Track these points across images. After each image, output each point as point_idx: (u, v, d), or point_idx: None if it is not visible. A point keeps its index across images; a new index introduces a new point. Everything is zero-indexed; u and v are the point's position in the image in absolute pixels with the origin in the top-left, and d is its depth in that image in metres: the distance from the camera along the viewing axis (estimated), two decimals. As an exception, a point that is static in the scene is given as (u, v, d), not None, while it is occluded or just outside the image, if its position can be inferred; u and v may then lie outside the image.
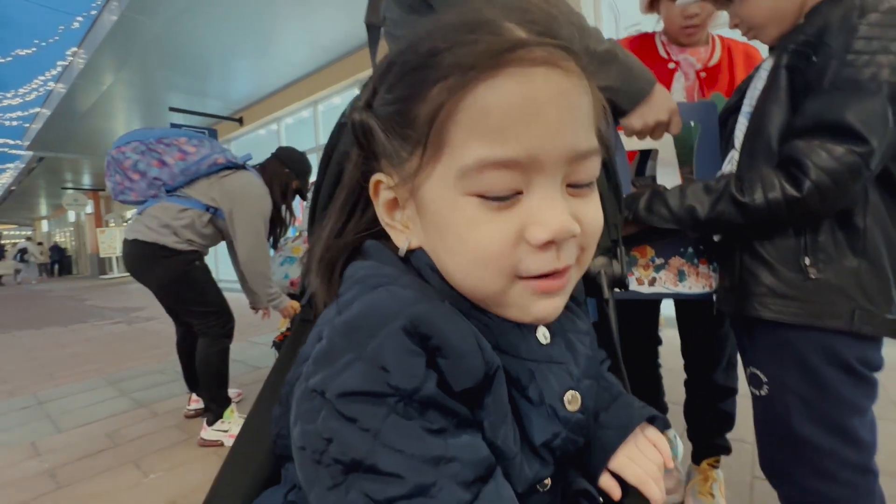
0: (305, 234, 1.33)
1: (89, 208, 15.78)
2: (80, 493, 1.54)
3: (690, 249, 0.96)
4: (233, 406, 1.93)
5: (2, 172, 17.22)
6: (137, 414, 2.25)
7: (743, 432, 1.22)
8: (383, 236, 0.39)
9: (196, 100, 6.82)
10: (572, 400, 0.37)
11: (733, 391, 1.19)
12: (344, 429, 0.27)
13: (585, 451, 0.42)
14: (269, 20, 4.74)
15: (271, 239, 2.03)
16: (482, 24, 0.31)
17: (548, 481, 0.36)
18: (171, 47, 5.24)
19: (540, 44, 0.30)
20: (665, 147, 0.99)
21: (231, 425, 1.86)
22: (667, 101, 0.81)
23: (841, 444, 0.71)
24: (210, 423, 1.86)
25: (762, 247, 0.75)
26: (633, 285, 0.97)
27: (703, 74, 1.17)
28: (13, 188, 15.96)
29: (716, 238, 0.89)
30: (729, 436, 1.22)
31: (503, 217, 0.31)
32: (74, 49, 6.07)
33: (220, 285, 1.95)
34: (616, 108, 0.81)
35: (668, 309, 1.24)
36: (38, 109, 8.91)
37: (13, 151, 14.26)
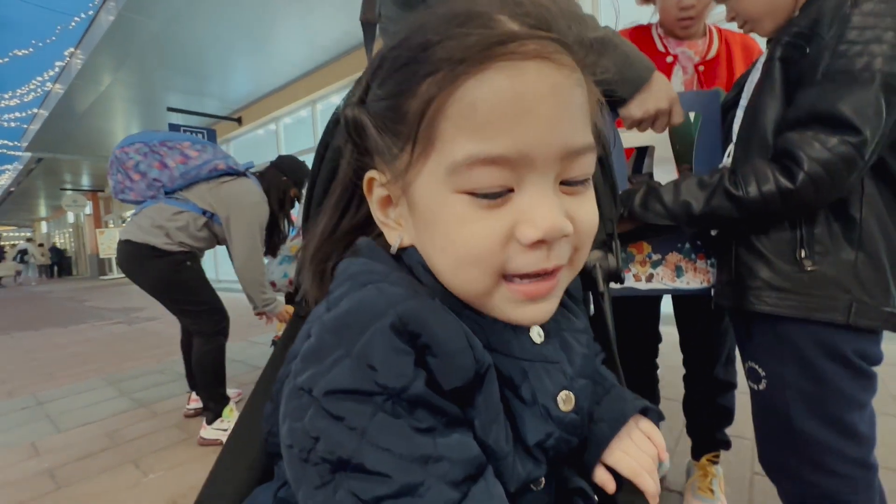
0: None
1: (88, 209, 15.78)
2: (80, 493, 1.54)
3: (688, 245, 0.95)
4: (232, 405, 1.93)
5: (1, 174, 17.20)
6: (137, 414, 2.25)
7: (742, 428, 1.22)
8: (378, 234, 0.38)
9: (195, 99, 6.82)
10: (566, 400, 0.36)
11: (732, 385, 1.18)
12: (331, 427, 0.27)
13: (580, 448, 0.41)
14: (267, 19, 4.74)
15: (268, 246, 2.04)
16: (474, 17, 0.30)
17: (541, 480, 0.36)
18: (170, 47, 5.23)
19: (532, 37, 0.29)
20: (662, 144, 0.98)
21: (230, 424, 1.86)
22: (666, 88, 0.79)
23: (840, 439, 0.70)
24: (209, 422, 1.87)
25: (758, 240, 0.75)
26: (631, 282, 0.97)
27: (701, 68, 1.16)
28: (12, 189, 15.95)
29: (713, 232, 0.89)
30: (729, 432, 1.22)
31: (493, 215, 0.31)
32: (72, 49, 6.06)
33: (221, 286, 1.96)
34: (614, 98, 0.79)
35: (665, 306, 1.23)
36: (36, 110, 8.91)
37: (11, 153, 14.26)
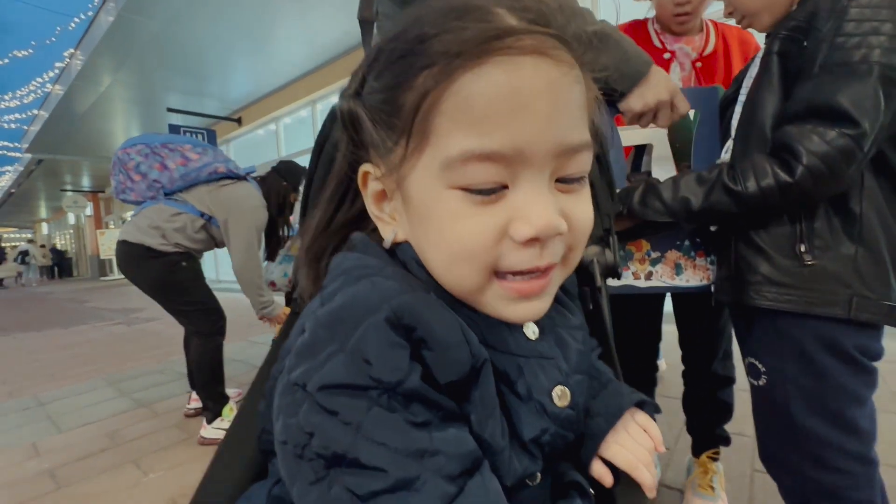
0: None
1: (89, 210, 15.80)
2: (80, 493, 1.54)
3: (687, 242, 0.95)
4: (232, 404, 1.93)
5: (1, 175, 17.22)
6: (137, 414, 2.25)
7: (742, 425, 1.21)
8: (373, 229, 0.38)
9: (194, 100, 6.82)
10: (561, 396, 0.36)
11: (731, 380, 1.18)
12: (325, 422, 0.27)
13: (577, 443, 0.41)
14: (266, 20, 4.74)
15: (267, 250, 2.04)
16: (471, 11, 0.30)
17: (538, 476, 0.36)
18: (169, 47, 5.24)
19: (530, 32, 0.29)
20: (660, 142, 0.97)
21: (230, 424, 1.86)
22: (666, 80, 0.78)
23: (840, 434, 0.70)
24: (209, 422, 1.87)
25: (757, 235, 0.74)
26: (630, 280, 0.96)
27: (698, 64, 1.15)
28: (12, 191, 15.97)
29: (712, 228, 0.88)
30: (729, 429, 1.22)
31: (487, 211, 0.30)
32: (72, 50, 6.07)
33: (221, 286, 1.96)
34: (613, 93, 0.78)
35: (664, 303, 1.23)
36: (36, 111, 8.92)
37: (12, 154, 14.27)
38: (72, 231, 20.65)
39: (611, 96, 0.81)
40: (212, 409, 1.88)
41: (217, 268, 7.95)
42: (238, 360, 2.99)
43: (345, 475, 0.26)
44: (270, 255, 2.11)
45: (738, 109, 0.81)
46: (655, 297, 1.18)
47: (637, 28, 1.20)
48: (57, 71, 7.30)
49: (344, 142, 0.37)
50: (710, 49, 1.16)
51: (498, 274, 0.32)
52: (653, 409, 0.46)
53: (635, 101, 0.78)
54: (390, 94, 0.32)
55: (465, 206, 0.30)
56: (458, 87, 0.29)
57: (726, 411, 1.19)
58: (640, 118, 0.80)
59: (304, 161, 2.19)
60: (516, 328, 0.37)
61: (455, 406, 0.30)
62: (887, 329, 0.72)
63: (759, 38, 0.89)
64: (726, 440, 1.22)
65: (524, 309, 0.33)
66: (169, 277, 1.80)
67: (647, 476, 0.40)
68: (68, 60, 6.31)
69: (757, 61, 0.80)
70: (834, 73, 0.64)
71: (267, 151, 7.35)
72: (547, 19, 0.31)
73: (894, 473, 1.05)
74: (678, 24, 1.14)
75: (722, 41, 1.17)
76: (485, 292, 0.33)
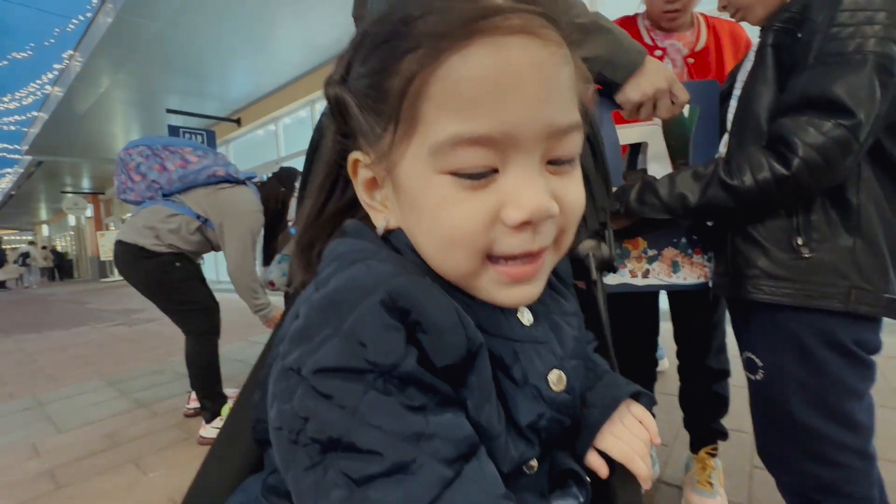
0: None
1: (89, 212, 15.80)
2: (80, 493, 1.54)
3: (684, 240, 0.95)
4: (230, 404, 1.93)
5: (1, 177, 17.22)
6: (137, 414, 2.25)
7: (741, 421, 1.21)
8: (364, 217, 0.38)
9: (194, 101, 6.82)
10: (557, 380, 0.36)
11: (726, 374, 1.18)
12: (320, 406, 0.27)
13: (573, 432, 0.41)
14: (265, 20, 4.74)
15: (263, 255, 2.05)
16: None
17: (534, 463, 0.36)
18: (168, 49, 5.23)
19: (516, 10, 0.28)
20: (655, 140, 0.97)
21: (230, 423, 1.86)
22: (662, 69, 0.77)
23: (838, 428, 0.70)
24: (208, 421, 1.87)
25: (754, 229, 0.74)
26: (627, 278, 0.96)
27: (690, 60, 1.14)
28: (13, 193, 15.97)
29: (709, 223, 0.88)
30: (727, 425, 1.22)
31: (478, 196, 0.30)
32: (70, 52, 6.06)
33: (221, 286, 1.96)
34: (609, 84, 0.77)
35: (661, 301, 1.23)
36: (35, 113, 8.91)
37: (12, 156, 14.27)
38: (72, 233, 20.63)
39: (608, 89, 0.81)
40: (209, 408, 1.88)
41: (217, 269, 7.95)
42: (237, 360, 2.98)
43: (340, 459, 0.26)
44: (267, 260, 2.12)
45: (733, 104, 0.80)
46: (650, 293, 1.18)
47: (627, 24, 1.19)
48: (56, 73, 7.29)
49: (332, 129, 0.37)
50: (701, 45, 1.15)
51: (491, 258, 0.32)
52: (649, 401, 0.46)
53: (632, 92, 0.77)
54: (376, 80, 0.31)
55: (455, 191, 0.30)
56: (444, 70, 0.28)
57: (722, 405, 1.19)
58: (639, 110, 0.80)
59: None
60: (511, 313, 0.36)
61: (451, 390, 0.30)
62: (886, 324, 0.71)
63: (751, 33, 0.89)
64: (724, 435, 1.21)
65: (518, 293, 0.33)
66: (162, 277, 1.82)
67: (642, 467, 0.40)
68: (67, 62, 6.31)
69: (751, 55, 0.80)
70: (829, 63, 0.64)
71: (266, 152, 7.34)
72: None
73: (893, 468, 1.05)
74: (668, 20, 1.13)
75: (713, 36, 1.16)
76: (478, 277, 0.33)
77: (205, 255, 2.10)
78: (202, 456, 0.45)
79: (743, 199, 0.71)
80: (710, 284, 0.89)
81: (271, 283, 2.15)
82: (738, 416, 1.18)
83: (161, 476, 1.61)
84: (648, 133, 0.97)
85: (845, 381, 0.70)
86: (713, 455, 1.22)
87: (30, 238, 28.00)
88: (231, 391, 2.10)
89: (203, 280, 2.01)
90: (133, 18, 4.56)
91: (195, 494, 0.44)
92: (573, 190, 0.33)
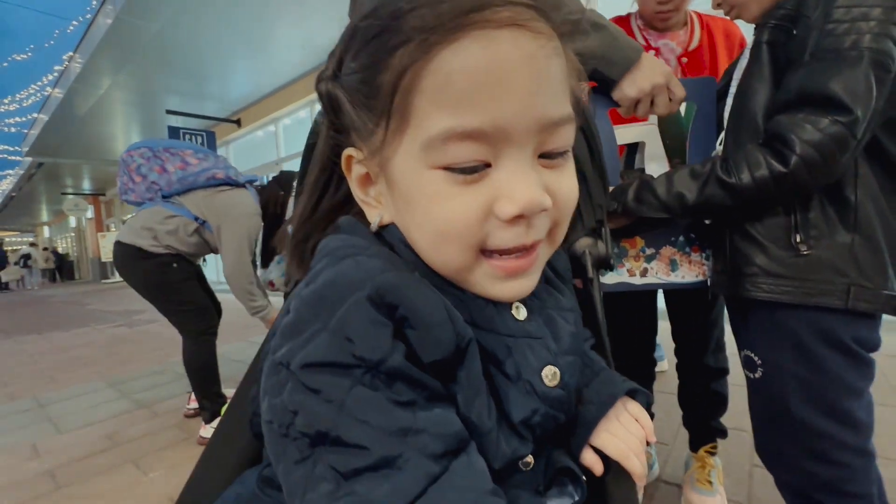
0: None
1: (90, 213, 15.82)
2: (80, 493, 1.54)
3: (682, 238, 0.94)
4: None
5: (2, 179, 17.26)
6: (137, 414, 2.25)
7: (741, 420, 1.21)
8: (358, 212, 0.38)
9: (194, 102, 6.82)
10: (551, 376, 0.36)
11: (724, 371, 1.18)
12: (309, 401, 0.27)
13: (569, 429, 0.41)
14: (265, 21, 4.74)
15: (262, 257, 2.05)
16: None
17: (530, 459, 0.36)
18: (168, 49, 5.24)
19: (506, 3, 0.28)
20: (651, 139, 0.97)
21: (230, 423, 1.86)
22: (659, 64, 0.77)
23: (837, 426, 0.70)
24: (207, 422, 1.87)
25: (752, 227, 0.74)
26: (625, 277, 0.96)
27: (684, 60, 1.13)
28: (14, 194, 15.99)
29: (707, 221, 0.88)
30: (727, 424, 1.22)
31: (471, 190, 0.30)
32: (70, 54, 6.07)
33: (222, 286, 1.97)
34: (605, 81, 0.77)
35: (658, 299, 1.23)
36: (35, 115, 8.92)
37: (13, 158, 14.30)
38: (73, 234, 20.67)
39: (604, 87, 0.80)
40: (208, 408, 1.88)
41: (218, 270, 7.95)
42: (237, 360, 2.98)
43: (328, 453, 0.26)
44: (265, 262, 2.12)
45: (729, 102, 0.80)
46: (648, 292, 1.18)
47: (620, 24, 1.17)
48: (56, 74, 7.30)
49: (325, 126, 0.37)
50: (695, 43, 1.15)
51: (485, 252, 0.32)
52: (645, 399, 0.46)
53: (629, 88, 0.76)
54: (367, 75, 0.31)
55: (448, 185, 0.30)
56: (435, 64, 0.28)
57: (721, 403, 1.19)
58: (636, 107, 0.79)
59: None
60: (504, 308, 0.36)
61: (440, 386, 0.30)
62: (885, 322, 0.71)
63: (745, 30, 0.88)
64: (723, 433, 1.21)
65: (512, 287, 0.33)
66: (159, 278, 1.83)
67: (637, 465, 0.40)
68: (67, 63, 6.31)
69: (747, 53, 0.80)
70: (825, 60, 0.63)
71: (266, 153, 7.35)
72: None
73: (893, 466, 1.05)
74: (660, 21, 1.12)
75: (707, 34, 1.16)
76: (472, 271, 0.33)
77: (207, 257, 2.10)
78: (202, 456, 0.45)
79: (741, 197, 0.71)
80: (709, 283, 0.89)
81: (271, 284, 2.15)
82: (738, 415, 1.18)
83: (161, 476, 1.61)
84: (645, 132, 0.97)
85: (844, 378, 0.69)
86: (713, 454, 1.21)
87: (31, 239, 28.02)
88: (230, 391, 2.10)
89: (203, 281, 2.01)
90: (133, 20, 4.57)
91: (191, 490, 0.44)
92: (566, 183, 0.33)
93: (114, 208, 15.26)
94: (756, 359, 0.77)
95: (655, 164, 0.96)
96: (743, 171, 0.70)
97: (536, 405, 0.35)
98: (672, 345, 1.25)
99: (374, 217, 0.36)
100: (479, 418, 0.31)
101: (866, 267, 0.67)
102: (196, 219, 1.85)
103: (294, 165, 2.24)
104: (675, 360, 1.25)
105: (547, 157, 0.32)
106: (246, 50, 5.42)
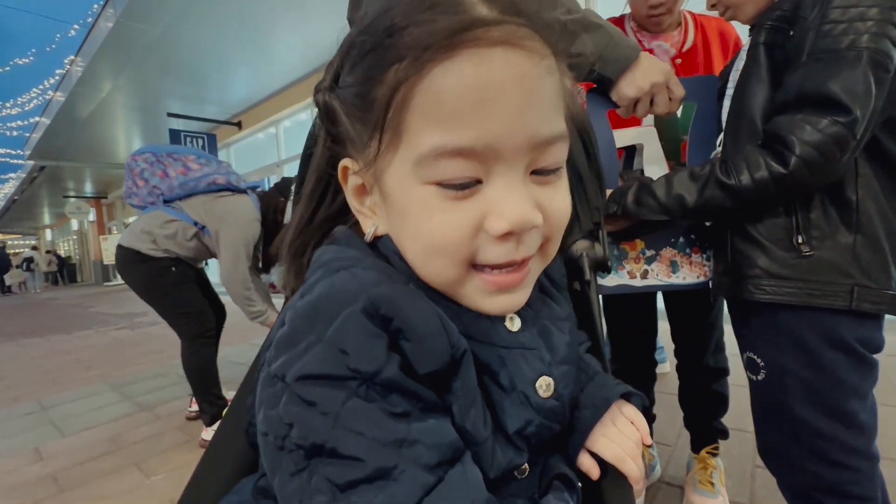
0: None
1: (92, 216, 15.88)
2: (83, 497, 1.54)
3: (682, 239, 0.94)
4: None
5: (4, 182, 17.33)
6: (140, 417, 2.26)
7: (743, 422, 1.21)
8: (354, 223, 0.38)
9: (194, 105, 6.85)
10: (546, 387, 0.36)
11: (724, 372, 1.17)
12: (304, 413, 0.27)
13: (564, 435, 0.41)
14: (265, 24, 4.75)
15: (262, 263, 2.06)
16: (441, 1, 0.29)
17: (525, 468, 0.36)
18: (169, 53, 5.26)
19: (500, 22, 0.29)
20: (650, 141, 0.96)
21: (231, 426, 1.86)
22: (657, 62, 0.76)
23: (841, 428, 0.69)
24: (208, 424, 1.88)
25: (753, 228, 0.73)
26: (626, 279, 0.95)
27: (678, 61, 1.13)
28: (16, 198, 16.06)
29: (707, 224, 0.88)
30: (729, 425, 1.21)
31: (462, 206, 0.30)
32: (72, 57, 6.10)
33: (223, 289, 1.97)
34: (603, 81, 0.76)
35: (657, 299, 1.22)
36: (37, 119, 8.96)
37: (15, 161, 14.35)
38: (75, 237, 20.74)
39: (602, 87, 0.80)
40: (207, 411, 1.89)
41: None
42: (239, 362, 2.99)
43: (324, 465, 0.26)
44: (265, 268, 2.13)
45: (726, 103, 0.80)
46: (648, 293, 1.18)
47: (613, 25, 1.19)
48: (58, 78, 7.34)
49: (322, 136, 0.37)
50: (689, 44, 1.14)
51: (476, 267, 0.32)
52: (640, 402, 0.46)
53: (627, 87, 0.76)
54: (362, 89, 0.31)
55: (439, 201, 0.30)
56: (427, 81, 0.28)
57: (721, 404, 1.18)
58: (635, 107, 0.78)
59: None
60: (498, 319, 0.36)
61: (435, 397, 0.30)
62: (888, 323, 0.71)
63: (740, 30, 0.87)
64: (724, 434, 1.21)
65: (502, 301, 0.33)
66: (157, 281, 1.84)
67: (633, 468, 0.40)
68: (69, 67, 6.34)
69: (743, 54, 0.80)
70: (823, 60, 0.63)
71: (267, 155, 7.37)
72: (518, 8, 0.30)
73: (894, 467, 1.04)
74: (654, 23, 1.12)
75: (701, 35, 1.15)
76: (463, 285, 0.33)
77: (209, 260, 2.11)
78: (204, 459, 0.45)
79: (741, 199, 0.71)
80: (710, 285, 0.89)
81: (272, 286, 2.16)
82: (740, 416, 1.18)
83: (163, 479, 1.62)
84: (644, 135, 0.97)
85: (848, 380, 0.69)
86: (714, 455, 1.21)
87: (33, 242, 28.13)
88: (231, 394, 2.10)
89: (203, 284, 2.02)
90: (134, 23, 4.59)
91: (190, 497, 0.44)
92: (558, 199, 0.34)
93: (116, 211, 15.32)
94: (759, 361, 0.77)
95: (655, 167, 0.96)
96: (742, 172, 0.69)
97: (531, 416, 0.35)
98: (672, 345, 1.25)
99: (369, 227, 0.36)
100: (474, 428, 0.31)
101: (869, 267, 0.66)
102: (195, 223, 1.86)
103: (295, 167, 2.24)
104: (674, 362, 1.25)
105: (539, 173, 0.32)
106: (246, 52, 5.44)
